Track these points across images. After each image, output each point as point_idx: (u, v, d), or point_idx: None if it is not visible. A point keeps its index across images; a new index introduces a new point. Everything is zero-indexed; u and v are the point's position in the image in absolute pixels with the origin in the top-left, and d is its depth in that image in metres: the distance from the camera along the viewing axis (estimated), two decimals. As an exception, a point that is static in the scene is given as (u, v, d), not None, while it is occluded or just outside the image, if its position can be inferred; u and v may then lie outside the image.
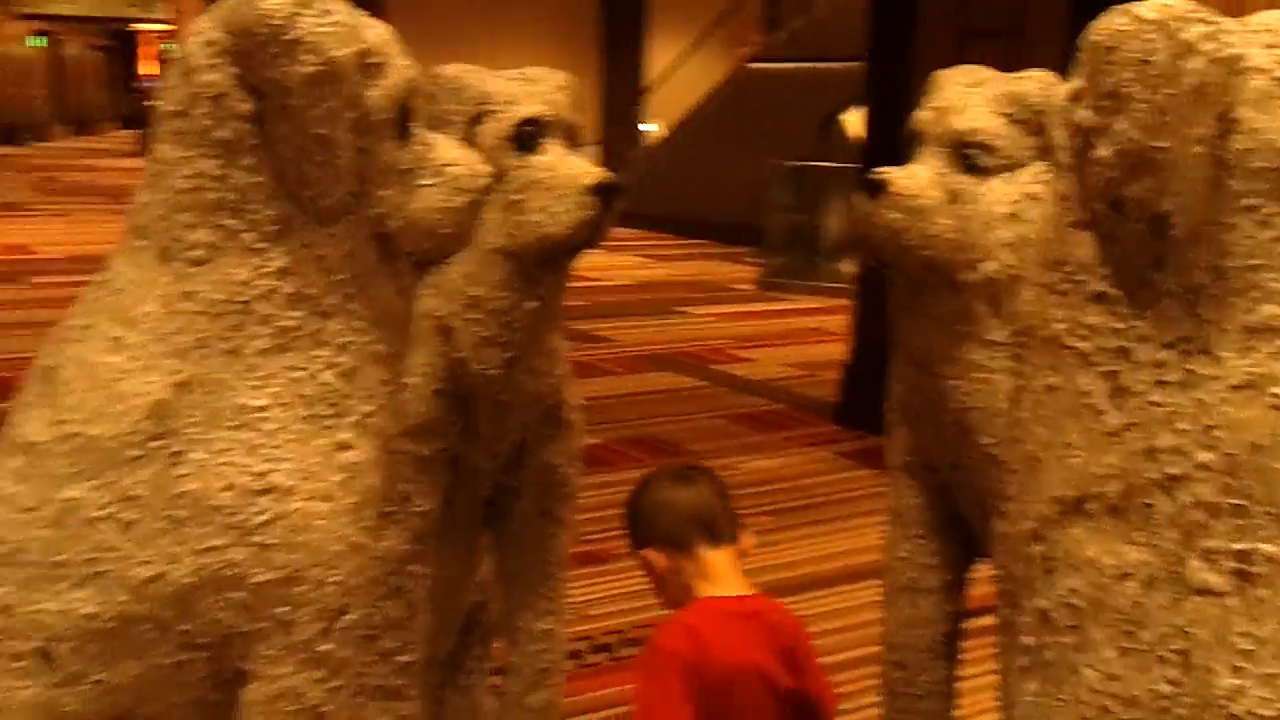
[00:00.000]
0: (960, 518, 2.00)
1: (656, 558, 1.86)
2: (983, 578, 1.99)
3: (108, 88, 36.83)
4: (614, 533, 3.84)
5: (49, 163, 21.02)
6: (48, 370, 1.40)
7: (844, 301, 6.39)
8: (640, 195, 12.37)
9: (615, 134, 14.50)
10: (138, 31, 35.16)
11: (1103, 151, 1.10)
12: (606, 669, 2.96)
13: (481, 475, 2.20)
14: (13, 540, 1.33)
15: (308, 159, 1.38)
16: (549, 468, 2.22)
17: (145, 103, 25.12)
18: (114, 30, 35.77)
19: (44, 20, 30.14)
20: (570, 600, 2.41)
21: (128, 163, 21.00)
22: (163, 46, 34.25)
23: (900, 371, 1.99)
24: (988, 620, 1.48)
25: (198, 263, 1.37)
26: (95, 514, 1.32)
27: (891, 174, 1.83)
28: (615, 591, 3.35)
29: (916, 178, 1.83)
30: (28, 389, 1.41)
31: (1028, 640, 1.22)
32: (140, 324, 1.37)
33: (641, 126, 15.54)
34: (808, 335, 7.49)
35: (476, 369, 2.03)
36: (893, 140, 1.98)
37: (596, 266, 9.51)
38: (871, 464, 4.63)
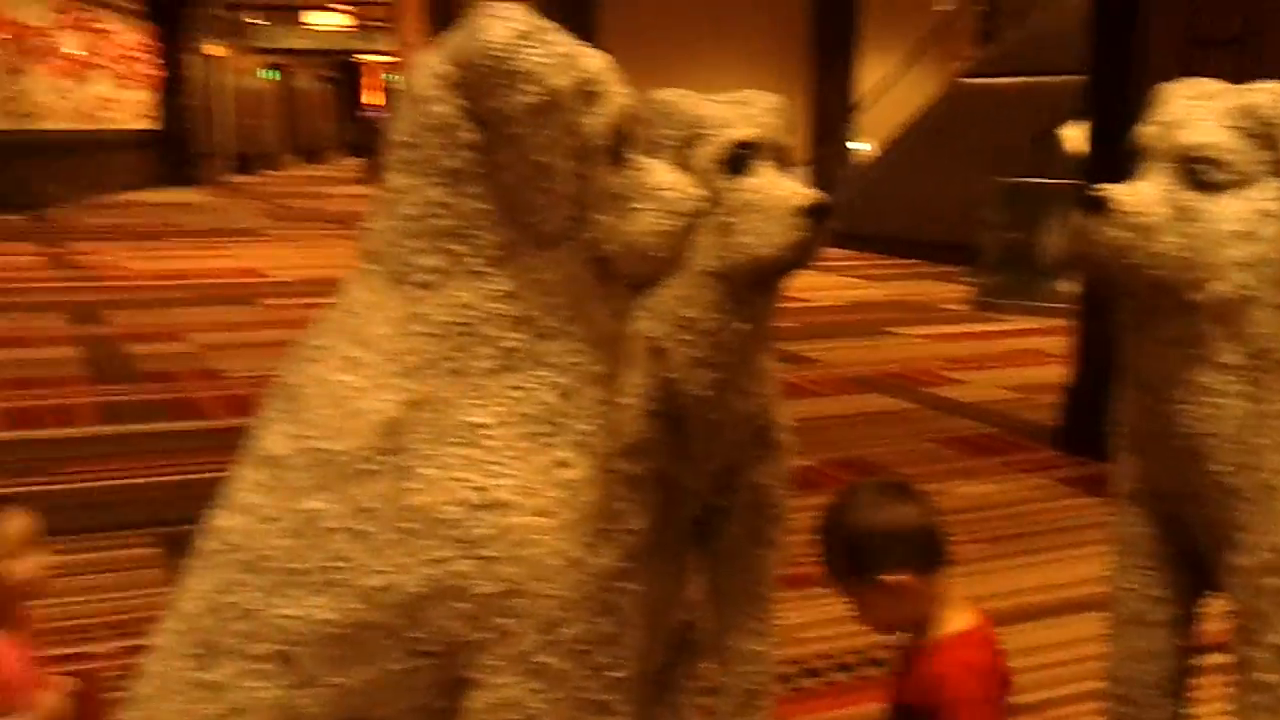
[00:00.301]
0: (1191, 548, 1.91)
1: (902, 581, 1.79)
2: (1216, 612, 1.91)
3: (334, 117, 38.69)
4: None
5: (280, 190, 22.21)
6: (289, 388, 1.48)
7: (1061, 322, 6.19)
8: (850, 215, 12.28)
9: (825, 154, 14.42)
10: (362, 63, 36.74)
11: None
12: (816, 694, 2.93)
13: (691, 495, 2.22)
14: (256, 548, 1.41)
15: (530, 186, 1.43)
16: (759, 488, 2.23)
17: (369, 131, 26.32)
18: (340, 62, 37.53)
19: (276, 54, 31.84)
20: (780, 623, 2.40)
21: (353, 189, 22.01)
22: (385, 76, 35.79)
23: (1128, 395, 1.92)
24: (1221, 658, 1.41)
25: (426, 286, 1.44)
26: (332, 525, 1.39)
27: (1114, 191, 1.78)
28: (826, 616, 3.31)
29: (1140, 194, 1.77)
30: (270, 405, 1.50)
31: (1266, 678, 1.17)
32: (373, 345, 1.44)
33: (851, 145, 15.42)
34: (1024, 357, 7.28)
35: (688, 390, 2.05)
36: (1116, 156, 1.92)
37: (805, 287, 9.46)
38: (1094, 491, 4.46)
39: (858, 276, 10.79)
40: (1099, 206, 1.78)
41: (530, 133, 1.41)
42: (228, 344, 7.24)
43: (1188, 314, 1.75)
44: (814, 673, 3.04)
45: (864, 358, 7.18)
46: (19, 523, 1.99)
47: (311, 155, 35.52)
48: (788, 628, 3.20)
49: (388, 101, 35.45)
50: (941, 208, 11.14)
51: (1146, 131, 1.85)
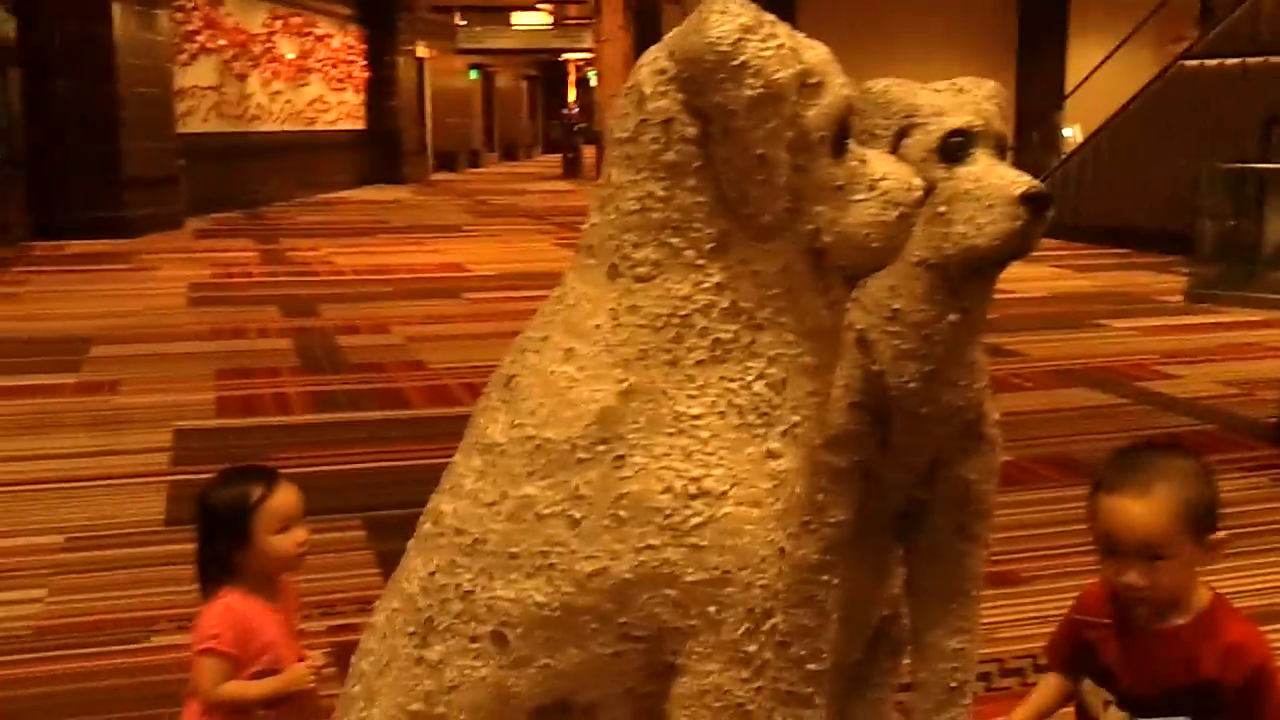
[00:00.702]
0: None
1: (1221, 539, 1.71)
2: None
3: (534, 115, 39.45)
4: (1026, 553, 3.74)
5: (481, 187, 22.78)
6: (509, 378, 1.52)
7: (1285, 315, 5.87)
8: (1059, 204, 11.90)
9: (1034, 141, 14.02)
10: (566, 61, 37.32)
11: None
12: (1016, 694, 2.86)
13: (896, 488, 2.19)
14: (474, 531, 1.46)
15: (748, 178, 1.43)
16: (965, 483, 2.18)
17: (569, 128, 26.74)
18: (540, 61, 38.24)
19: (480, 54, 32.66)
20: (982, 623, 2.35)
21: (552, 185, 22.42)
22: (584, 74, 36.28)
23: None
24: None
25: (643, 279, 1.46)
26: (547, 511, 1.42)
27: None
28: (1026, 615, 3.23)
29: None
30: (490, 394, 1.55)
31: None
32: (590, 336, 1.47)
33: (1063, 131, 14.94)
34: (1243, 350, 6.94)
35: (894, 382, 2.02)
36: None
37: (1009, 278, 9.14)
38: (1318, 491, 4.24)
39: (1065, 267, 10.45)
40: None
41: (751, 126, 1.41)
42: (431, 336, 7.48)
43: None
44: (1015, 673, 2.97)
45: (1071, 351, 6.95)
46: (286, 496, 2.09)
47: (512, 152, 36.32)
48: (988, 627, 3.13)
49: (580, 97, 35.97)
50: (1156, 195, 10.72)
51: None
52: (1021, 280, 9.20)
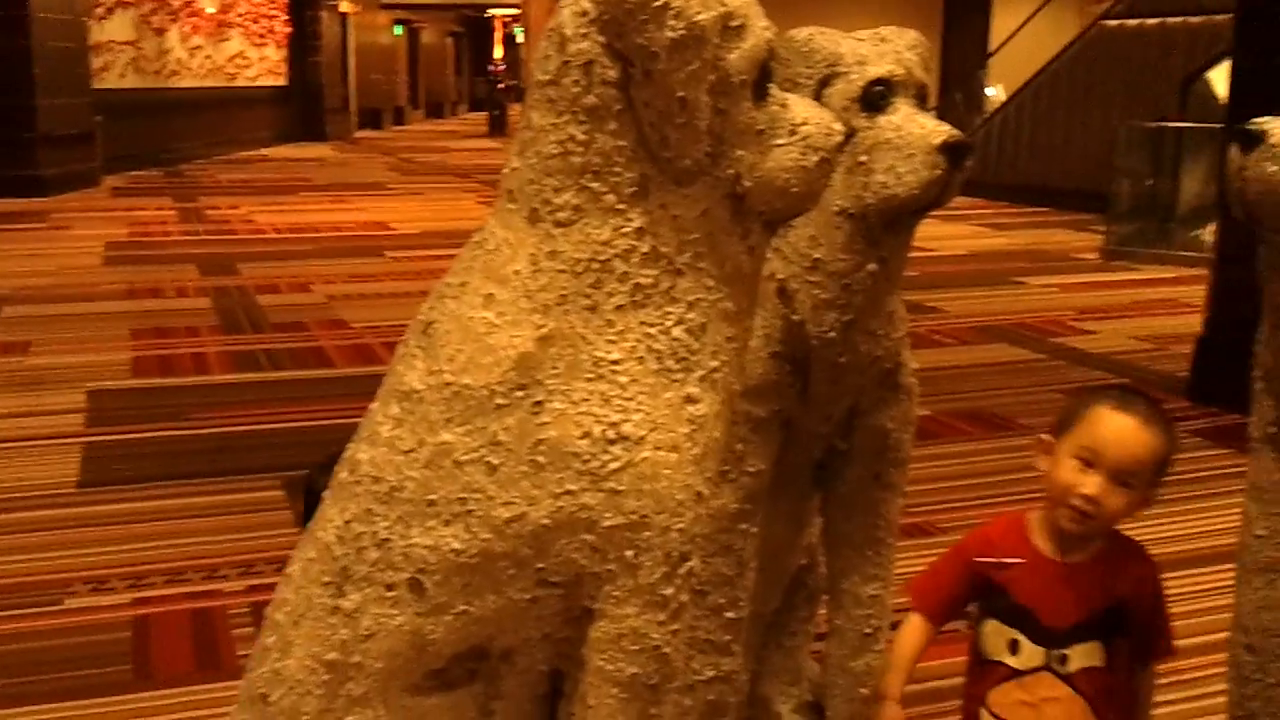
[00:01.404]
0: (1332, 495, 1.85)
1: (1147, 493, 1.79)
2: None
3: (460, 72, 38.97)
4: (942, 505, 3.80)
5: (406, 144, 22.51)
6: (427, 324, 1.51)
7: (1199, 272, 6.01)
8: (980, 162, 12.01)
9: (957, 99, 14.13)
10: (492, 18, 36.88)
11: None
12: (933, 641, 2.91)
13: (814, 437, 2.21)
14: (391, 479, 1.45)
15: (669, 121, 1.42)
16: (883, 432, 2.20)
17: (495, 86, 26.47)
18: (466, 17, 37.79)
19: (404, 9, 32.17)
20: (897, 572, 2.38)
21: (478, 143, 22.22)
22: (510, 31, 35.91)
23: (1270, 338, 1.86)
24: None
25: (563, 224, 1.45)
26: (465, 457, 1.41)
27: (1270, 124, 1.71)
28: (945, 564, 3.28)
29: (1299, 128, 1.70)
30: (408, 340, 1.53)
31: None
32: (509, 282, 1.45)
33: (985, 91, 15.06)
34: (1157, 307, 7.09)
35: (814, 331, 2.04)
36: (1266, 94, 1.84)
37: (930, 236, 9.31)
38: (1227, 442, 4.34)
39: (985, 225, 10.58)
40: (1255, 141, 1.71)
41: (672, 68, 1.40)
42: (354, 294, 7.40)
43: (1341, 251, 1.68)
44: (933, 620, 3.01)
45: (990, 307, 7.06)
46: None
47: (437, 110, 35.90)
48: (902, 577, 3.17)
49: (506, 54, 35.63)
50: (1075, 154, 10.88)
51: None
52: (943, 238, 9.30)
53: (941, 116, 2.07)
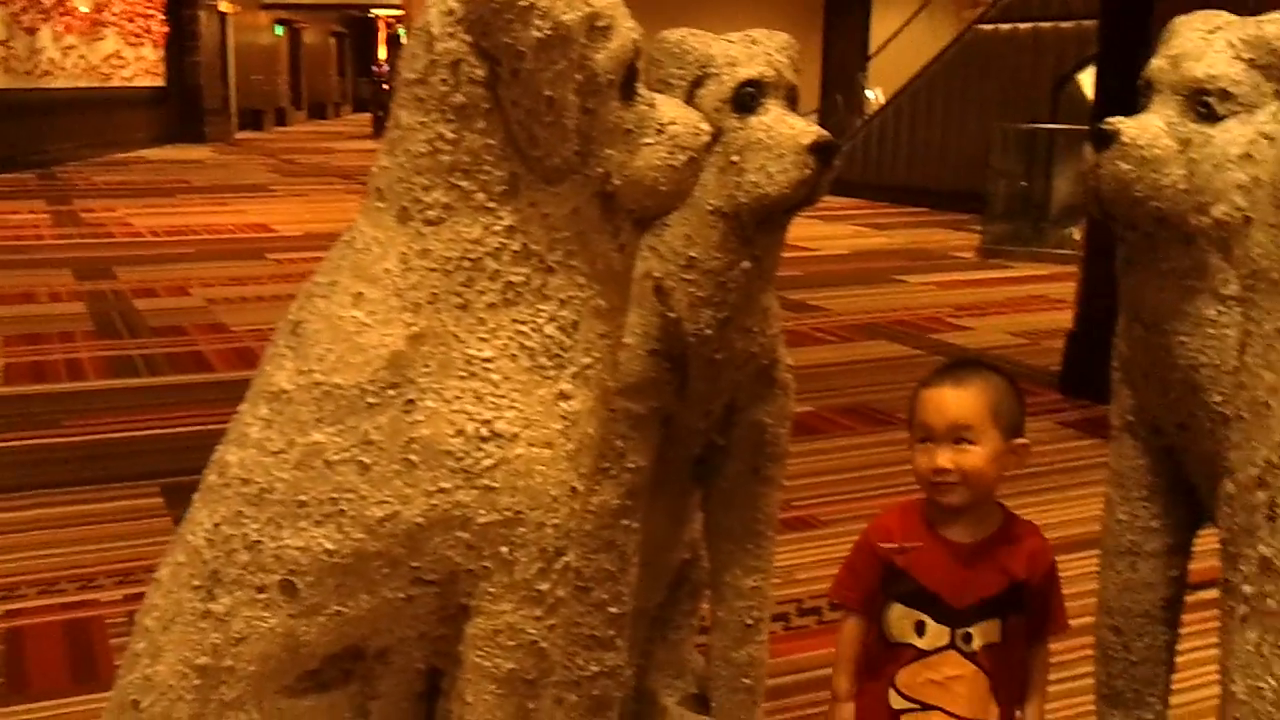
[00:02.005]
0: (1185, 482, 1.94)
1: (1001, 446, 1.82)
2: (1209, 550, 1.92)
3: (342, 73, 38.42)
4: (824, 498, 3.87)
5: (288, 146, 22.13)
6: (296, 324, 1.49)
7: (1071, 269, 6.20)
8: (861, 164, 12.23)
9: (837, 102, 14.34)
10: (376, 18, 36.41)
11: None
12: (813, 632, 2.97)
13: (693, 433, 2.23)
14: (261, 481, 1.43)
15: (536, 120, 1.43)
16: (760, 426, 2.24)
17: (378, 86, 26.15)
18: (350, 18, 37.27)
19: (285, 9, 31.61)
20: (779, 565, 2.42)
21: (360, 144, 21.94)
22: (394, 31, 35.51)
23: (1127, 330, 1.93)
24: (1214, 594, 1.43)
25: (433, 222, 1.44)
26: (336, 457, 1.40)
27: (1122, 123, 1.78)
28: (824, 557, 3.35)
29: (1148, 127, 1.77)
30: (277, 341, 1.51)
31: (1248, 589, 1.18)
32: (380, 280, 1.45)
33: (865, 93, 15.32)
34: (1030, 303, 7.29)
35: (690, 329, 2.06)
36: (1128, 98, 1.91)
37: (813, 236, 9.45)
38: (1096, 433, 4.48)
39: (866, 225, 10.77)
40: (1108, 140, 1.78)
41: (538, 68, 1.41)
42: (234, 298, 7.27)
43: (1189, 246, 1.75)
44: (812, 611, 3.07)
45: (871, 305, 7.19)
46: None
47: (320, 110, 35.36)
48: (787, 569, 3.24)
49: (390, 55, 35.26)
50: (952, 156, 11.13)
51: (1155, 65, 1.84)
52: (825, 238, 9.45)
53: (823, 119, 2.13)
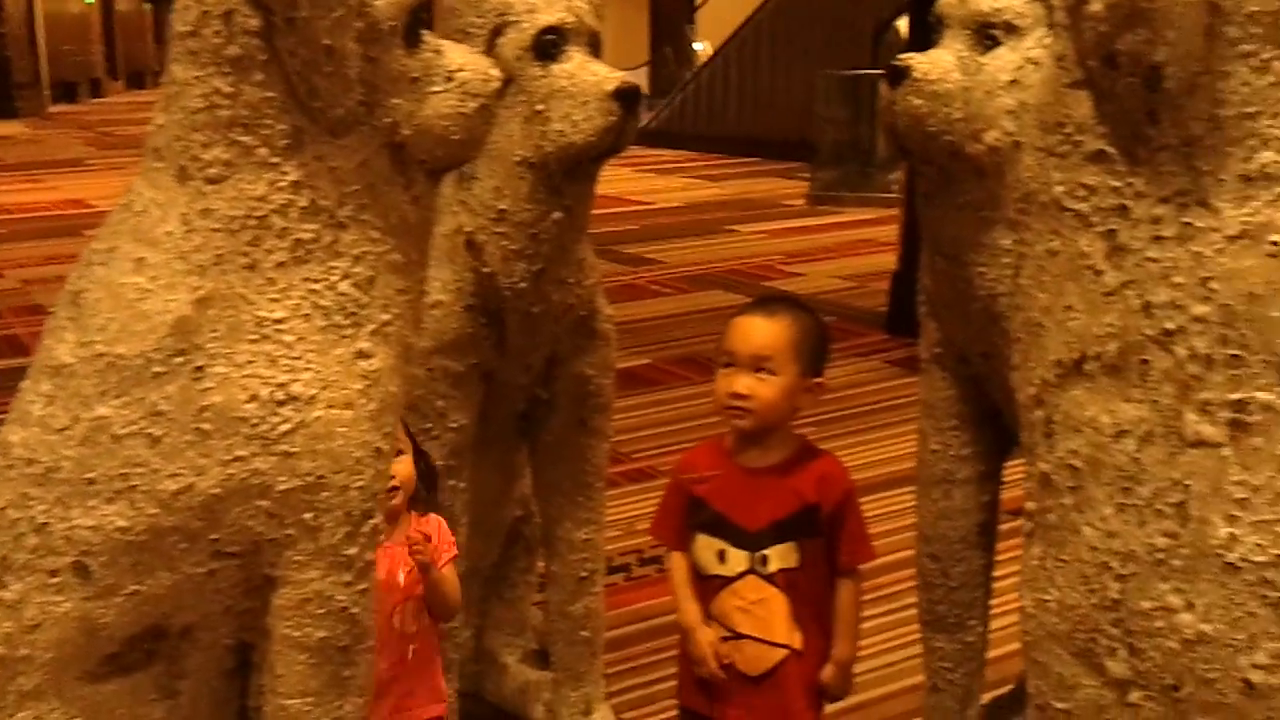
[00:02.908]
0: (993, 410, 1.99)
1: (799, 380, 1.85)
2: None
3: (160, 41, 36.93)
4: (662, 449, 3.89)
5: (105, 118, 21.20)
6: (75, 294, 1.43)
7: (895, 212, 6.33)
8: (690, 116, 12.27)
9: (667, 53, 14.35)
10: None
11: (1094, 5, 1.07)
12: (655, 581, 2.99)
13: (516, 389, 2.22)
14: (46, 460, 1.36)
15: (316, 71, 1.38)
16: (582, 378, 2.23)
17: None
18: (161, -19, 35.77)
19: (93, -25, 30.18)
20: (619, 516, 2.42)
21: (182, 112, 21.11)
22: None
23: (930, 264, 1.97)
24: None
25: (214, 180, 1.38)
26: (124, 431, 1.34)
27: (914, 60, 1.81)
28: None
29: (939, 63, 1.80)
30: (58, 313, 1.44)
31: (1030, 505, 1.22)
32: (161, 244, 1.38)
33: (693, 45, 15.36)
34: (858, 247, 7.44)
35: (505, 283, 2.04)
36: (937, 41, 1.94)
37: (647, 190, 9.47)
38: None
39: (698, 177, 10.82)
40: (901, 77, 1.80)
41: (315, 16, 1.35)
42: (51, 278, 6.93)
43: (982, 178, 1.79)
44: (653, 560, 3.09)
45: (704, 256, 7.24)
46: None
47: (139, 80, 34.00)
48: (627, 520, 3.25)
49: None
50: (780, 105, 11.23)
51: (945, 1, 1.87)
52: (658, 192, 9.48)
53: (652, 72, 2.10)
